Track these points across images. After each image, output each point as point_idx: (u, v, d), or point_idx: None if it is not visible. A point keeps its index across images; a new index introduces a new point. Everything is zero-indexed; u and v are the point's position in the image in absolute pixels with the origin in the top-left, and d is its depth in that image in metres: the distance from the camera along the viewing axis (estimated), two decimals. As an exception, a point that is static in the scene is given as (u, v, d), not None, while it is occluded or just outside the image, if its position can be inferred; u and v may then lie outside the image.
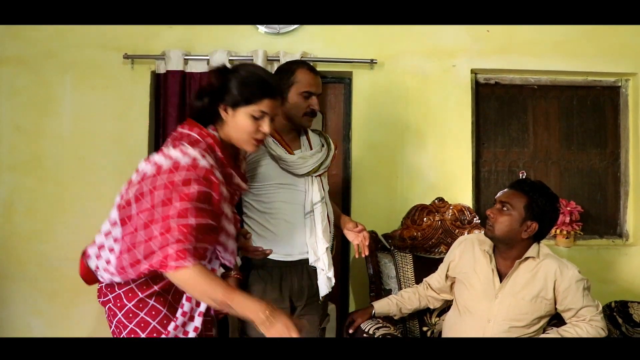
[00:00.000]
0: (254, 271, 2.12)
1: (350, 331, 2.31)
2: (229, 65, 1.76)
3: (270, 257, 2.07)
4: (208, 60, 2.77)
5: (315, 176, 2.15)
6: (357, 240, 2.24)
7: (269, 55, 2.79)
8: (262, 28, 2.88)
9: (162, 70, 2.79)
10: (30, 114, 2.82)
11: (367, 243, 2.22)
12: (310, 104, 2.09)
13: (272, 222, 2.12)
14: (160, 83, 2.80)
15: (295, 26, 2.88)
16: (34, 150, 2.82)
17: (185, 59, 2.77)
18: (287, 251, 2.11)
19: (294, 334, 1.51)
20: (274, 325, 1.51)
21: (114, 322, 1.72)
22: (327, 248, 2.13)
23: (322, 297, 2.13)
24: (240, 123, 1.68)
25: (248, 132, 1.69)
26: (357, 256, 2.26)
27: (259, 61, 2.74)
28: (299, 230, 2.11)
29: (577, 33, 3.03)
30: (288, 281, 2.10)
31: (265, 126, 1.69)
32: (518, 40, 3.02)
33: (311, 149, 2.17)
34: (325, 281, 2.12)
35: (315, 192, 2.13)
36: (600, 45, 3.06)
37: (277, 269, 2.10)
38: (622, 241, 3.17)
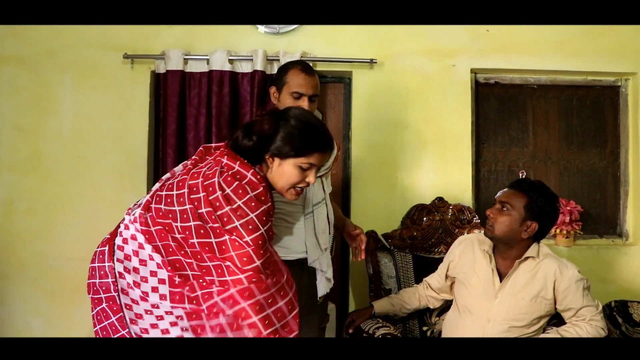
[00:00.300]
0: None
1: (350, 331, 2.31)
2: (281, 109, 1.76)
3: None
4: (208, 60, 2.77)
5: (318, 176, 2.15)
6: (354, 243, 2.24)
7: (269, 55, 2.79)
8: (261, 28, 2.87)
9: (162, 70, 2.79)
10: (30, 114, 2.82)
11: (363, 247, 2.20)
12: (300, 105, 2.09)
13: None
14: (160, 83, 2.80)
15: (295, 26, 2.88)
16: (33, 150, 2.82)
17: (185, 58, 2.77)
18: (285, 250, 2.11)
19: None
20: None
21: (105, 323, 1.69)
22: (325, 249, 2.12)
23: (320, 297, 2.13)
24: (286, 173, 1.68)
25: (293, 182, 1.69)
26: (353, 259, 2.26)
27: (259, 61, 2.74)
28: (298, 230, 2.11)
29: (576, 33, 3.03)
30: None
31: (312, 177, 1.70)
32: (518, 40, 3.02)
33: None
34: (324, 282, 2.11)
35: (316, 193, 2.13)
36: (600, 44, 3.06)
37: None
38: (622, 241, 3.17)
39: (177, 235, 1.63)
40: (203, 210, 1.57)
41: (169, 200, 1.65)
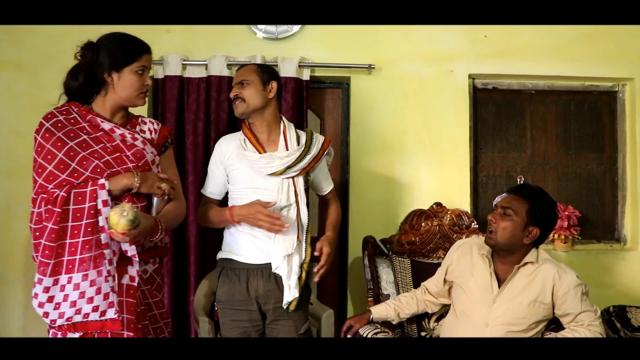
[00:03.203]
0: (223, 271, 2.15)
1: (349, 336, 2.31)
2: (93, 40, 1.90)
3: (237, 259, 2.14)
4: (206, 65, 2.77)
5: (285, 178, 2.14)
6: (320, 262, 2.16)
7: (267, 60, 2.79)
8: (260, 33, 2.88)
9: (160, 75, 2.79)
10: (28, 119, 2.79)
11: (315, 269, 2.14)
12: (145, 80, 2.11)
13: (242, 224, 2.14)
14: (159, 88, 2.80)
15: (293, 31, 2.89)
16: (32, 155, 2.79)
17: (183, 64, 2.77)
18: (252, 254, 2.12)
19: (161, 184, 1.79)
20: (144, 183, 1.77)
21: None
22: (286, 256, 2.07)
23: (284, 304, 2.08)
24: (127, 82, 1.85)
25: (136, 87, 1.87)
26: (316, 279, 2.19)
27: (257, 66, 2.75)
28: (265, 234, 2.10)
29: (574, 38, 3.05)
30: (254, 284, 2.11)
31: (148, 79, 1.90)
32: (515, 45, 3.03)
33: (287, 150, 2.16)
34: (287, 289, 2.07)
35: (282, 196, 2.12)
36: (597, 50, 3.07)
37: (243, 271, 2.12)
38: (620, 246, 3.18)
39: None
40: None
41: None
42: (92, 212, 1.69)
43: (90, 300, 1.69)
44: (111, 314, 1.70)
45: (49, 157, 1.75)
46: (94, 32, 2.75)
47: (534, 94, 3.18)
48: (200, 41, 2.86)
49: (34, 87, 2.82)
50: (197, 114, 2.75)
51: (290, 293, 2.07)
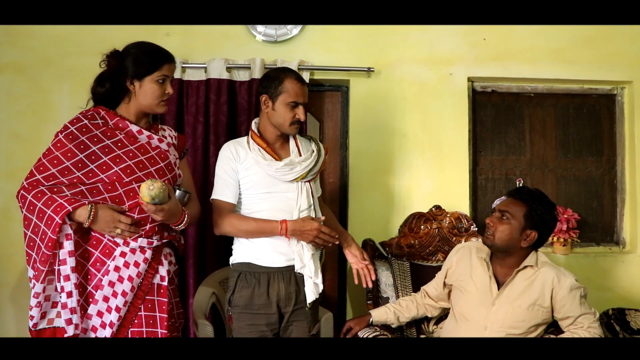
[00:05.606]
0: (241, 276, 2.14)
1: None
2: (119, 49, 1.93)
3: (257, 263, 2.12)
4: (205, 68, 2.78)
5: (305, 182, 2.16)
6: (357, 265, 2.31)
7: (266, 63, 2.80)
8: (259, 36, 2.88)
9: (159, 78, 2.79)
10: (27, 121, 2.82)
11: (373, 277, 2.30)
12: (296, 114, 2.12)
13: None
14: (158, 91, 2.80)
15: (293, 34, 2.89)
16: (31, 158, 2.75)
17: (182, 66, 2.78)
18: (273, 257, 2.12)
19: (118, 226, 1.78)
20: (95, 224, 1.77)
21: None
22: (312, 255, 2.12)
23: (309, 303, 2.12)
24: (148, 90, 1.91)
25: (156, 95, 1.92)
26: (356, 282, 2.32)
27: (257, 69, 2.75)
28: (283, 237, 2.12)
29: (573, 41, 3.05)
30: (275, 287, 2.11)
31: (169, 88, 1.95)
32: (514, 48, 3.04)
33: (300, 155, 2.19)
34: (312, 287, 2.11)
35: (303, 200, 2.14)
36: (596, 53, 3.07)
37: (264, 275, 2.12)
38: (619, 248, 3.18)
39: None
40: None
41: None
42: (57, 229, 1.74)
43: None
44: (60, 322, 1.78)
45: (69, 154, 1.81)
46: (94, 34, 2.78)
47: (533, 97, 3.19)
48: (200, 44, 2.86)
49: (33, 90, 2.82)
50: (197, 116, 2.75)
51: (317, 289, 2.12)
